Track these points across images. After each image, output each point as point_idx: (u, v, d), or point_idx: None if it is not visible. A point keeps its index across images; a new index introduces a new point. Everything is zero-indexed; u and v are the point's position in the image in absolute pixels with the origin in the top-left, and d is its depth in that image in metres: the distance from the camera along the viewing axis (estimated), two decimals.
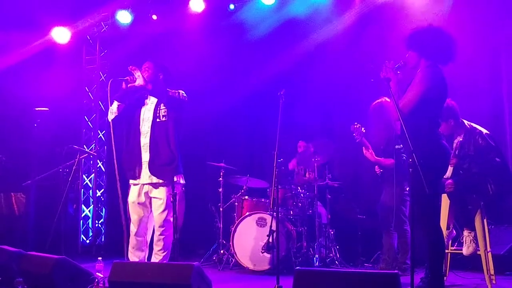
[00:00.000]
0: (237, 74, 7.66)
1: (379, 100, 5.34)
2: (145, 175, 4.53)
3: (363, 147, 5.35)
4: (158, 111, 4.58)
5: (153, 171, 4.49)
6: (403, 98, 3.73)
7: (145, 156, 4.54)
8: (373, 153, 5.27)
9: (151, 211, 4.62)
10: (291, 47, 7.31)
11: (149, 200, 4.60)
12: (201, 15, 7.64)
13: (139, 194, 4.59)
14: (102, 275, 4.19)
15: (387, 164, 5.28)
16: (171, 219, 4.45)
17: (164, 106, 4.55)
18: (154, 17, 7.78)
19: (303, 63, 7.19)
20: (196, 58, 7.71)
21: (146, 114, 4.63)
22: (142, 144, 4.57)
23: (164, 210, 4.49)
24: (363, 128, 5.32)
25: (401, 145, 5.10)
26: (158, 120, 4.54)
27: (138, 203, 4.59)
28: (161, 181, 4.50)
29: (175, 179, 4.49)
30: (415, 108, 3.68)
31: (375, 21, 6.93)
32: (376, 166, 5.50)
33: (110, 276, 3.70)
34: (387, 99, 5.28)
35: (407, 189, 5.19)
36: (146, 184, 4.55)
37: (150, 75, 4.63)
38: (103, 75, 8.60)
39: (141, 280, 3.63)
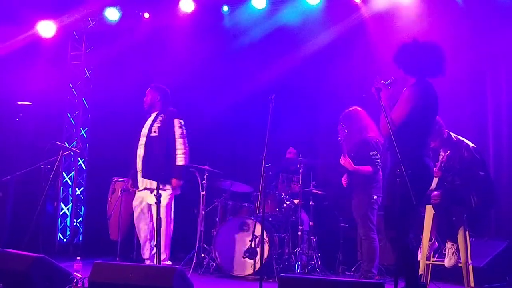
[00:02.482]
0: (226, 78, 7.63)
1: (351, 109, 5.39)
2: (140, 183, 5.40)
3: (341, 156, 5.28)
4: (151, 128, 5.48)
5: (144, 175, 5.32)
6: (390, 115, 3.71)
7: (139, 165, 5.41)
8: (351, 162, 5.20)
9: (150, 216, 5.38)
10: (281, 53, 7.32)
11: (147, 206, 5.39)
12: (191, 16, 7.59)
13: (137, 200, 5.45)
14: (80, 275, 4.11)
15: (364, 172, 5.24)
16: (167, 220, 5.25)
17: (159, 123, 5.47)
18: (146, 15, 7.71)
19: (293, 70, 7.19)
20: (184, 60, 7.67)
21: (143, 130, 5.53)
22: (138, 154, 5.46)
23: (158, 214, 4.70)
24: (346, 130, 5.29)
25: (375, 152, 5.19)
26: (150, 135, 5.43)
27: (140, 209, 5.42)
28: (151, 187, 5.15)
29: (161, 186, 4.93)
30: (400, 125, 3.66)
31: (365, 31, 6.98)
32: (342, 179, 5.45)
33: (90, 276, 3.62)
34: (358, 108, 5.37)
35: (375, 197, 5.20)
36: (142, 190, 5.38)
37: (149, 100, 5.73)
38: (88, 72, 8.49)
39: (122, 281, 3.56)
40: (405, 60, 3.80)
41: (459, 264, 4.59)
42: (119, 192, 6.64)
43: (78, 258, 4.25)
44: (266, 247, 5.57)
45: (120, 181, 6.80)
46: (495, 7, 6.47)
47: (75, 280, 3.86)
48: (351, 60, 6.96)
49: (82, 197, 8.32)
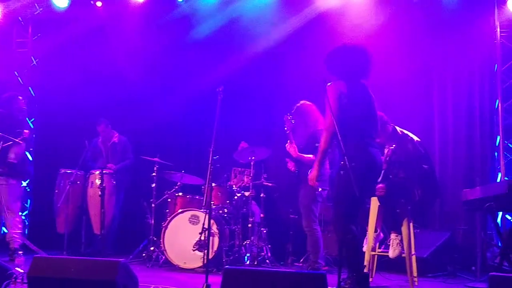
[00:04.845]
0: (179, 70, 7.53)
1: (300, 103, 5.48)
2: None
3: (288, 141, 5.39)
4: None
5: None
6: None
7: None
8: (296, 148, 5.32)
9: None
10: (235, 46, 7.29)
11: None
12: (143, 5, 7.46)
13: None
14: (22, 271, 3.98)
15: (307, 160, 5.33)
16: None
17: None
18: (99, 4, 7.50)
19: (246, 63, 7.17)
20: (137, 51, 7.53)
21: None
22: None
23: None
24: (293, 121, 5.38)
25: None
26: None
27: None
28: None
29: None
30: (337, 123, 3.76)
31: (319, 27, 7.05)
32: (288, 163, 5.54)
33: (30, 271, 3.49)
34: (307, 102, 5.48)
35: (320, 189, 5.30)
36: None
37: None
38: (35, 60, 8.19)
39: (64, 276, 3.46)
40: (333, 64, 4.03)
41: (403, 255, 4.71)
42: (67, 184, 6.49)
43: (20, 252, 4.12)
44: (216, 239, 5.56)
45: (67, 173, 6.64)
46: (443, 10, 6.68)
47: (15, 275, 3.73)
48: (304, 54, 7.01)
49: (28, 189, 8.05)
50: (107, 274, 3.41)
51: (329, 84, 3.93)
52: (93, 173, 6.59)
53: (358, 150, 3.82)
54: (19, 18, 8.01)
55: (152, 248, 6.03)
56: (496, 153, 6.57)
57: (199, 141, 7.15)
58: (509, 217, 6.18)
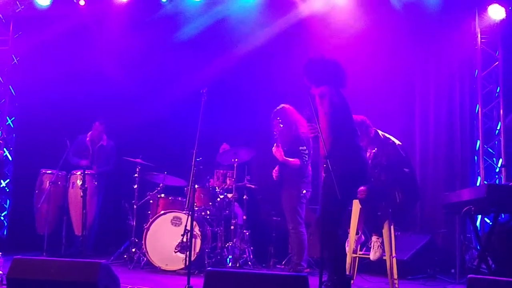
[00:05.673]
0: (161, 70, 7.51)
1: (282, 106, 5.54)
2: None
3: (274, 145, 5.42)
4: None
5: None
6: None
7: None
8: (282, 152, 5.36)
9: None
10: (219, 48, 7.29)
11: None
12: (127, 5, 7.42)
13: None
14: (1, 272, 3.94)
15: (292, 164, 5.38)
16: None
17: None
18: (82, 2, 7.43)
19: (230, 66, 7.17)
20: (120, 51, 7.48)
21: None
22: None
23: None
24: (281, 124, 5.41)
25: (305, 147, 5.36)
26: None
27: None
28: None
29: None
30: (333, 133, 3.83)
31: (303, 30, 7.09)
32: (274, 171, 5.57)
33: (9, 273, 3.45)
34: (288, 105, 5.55)
35: (304, 191, 5.35)
36: None
37: None
38: (16, 59, 8.08)
39: (44, 277, 3.42)
40: (314, 73, 4.12)
41: (384, 257, 4.75)
42: (47, 184, 6.42)
43: None
44: (199, 241, 5.55)
45: (48, 173, 6.57)
46: (426, 16, 6.77)
47: None
48: (288, 57, 7.04)
49: (7, 190, 7.94)
50: (88, 275, 3.38)
51: (319, 87, 3.97)
52: (75, 174, 6.53)
53: (350, 152, 3.88)
54: (0, 15, 7.90)
55: (133, 250, 5.99)
56: (475, 157, 6.67)
57: (182, 143, 7.12)
58: (488, 220, 6.27)
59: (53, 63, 7.61)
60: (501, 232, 4.13)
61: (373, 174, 4.77)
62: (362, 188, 4.62)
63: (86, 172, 6.00)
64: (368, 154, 4.85)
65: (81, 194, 5.58)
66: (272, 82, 7.17)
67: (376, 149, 4.87)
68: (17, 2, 7.68)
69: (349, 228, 4.94)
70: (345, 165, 3.79)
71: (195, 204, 5.82)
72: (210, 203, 6.09)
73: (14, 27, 7.99)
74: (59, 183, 6.49)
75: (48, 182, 6.44)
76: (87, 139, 6.88)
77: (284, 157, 5.35)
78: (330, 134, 3.81)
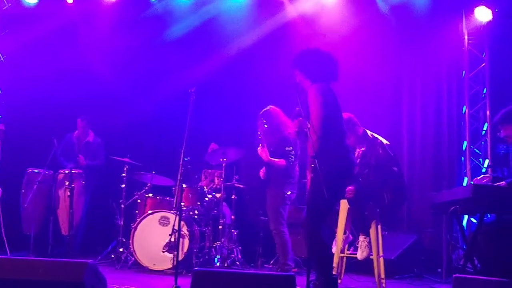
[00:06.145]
0: (149, 69, 7.48)
1: (268, 107, 5.56)
2: None
3: (259, 145, 5.43)
4: None
5: None
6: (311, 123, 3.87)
7: None
8: (267, 152, 5.37)
9: None
10: (208, 48, 7.29)
11: None
12: (115, 4, 7.38)
13: None
14: None
15: (277, 165, 5.39)
16: None
17: None
18: (70, 0, 7.37)
19: (219, 65, 7.18)
20: (106, 49, 7.44)
21: None
22: None
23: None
24: (265, 125, 5.42)
25: (291, 148, 5.37)
26: None
27: None
28: None
29: None
30: (323, 131, 3.82)
31: (292, 31, 7.12)
32: (260, 171, 5.59)
33: None
34: (273, 107, 5.56)
35: (288, 193, 5.37)
36: None
37: None
38: (2, 56, 7.99)
39: (30, 277, 3.39)
40: (306, 64, 4.05)
41: (371, 257, 4.78)
42: (34, 184, 6.36)
43: None
44: (186, 241, 5.54)
45: (35, 172, 6.51)
46: (413, 17, 6.82)
47: None
48: (276, 57, 7.04)
49: None
50: (75, 275, 3.35)
51: (312, 85, 3.95)
52: (62, 173, 6.48)
53: (339, 151, 3.89)
54: None
55: (121, 250, 5.96)
56: (462, 158, 6.73)
57: (171, 142, 7.08)
58: (474, 220, 6.33)
59: (40, 62, 7.54)
60: (487, 232, 4.16)
61: (362, 174, 4.79)
62: (350, 187, 4.64)
63: (73, 171, 5.96)
64: (356, 153, 4.87)
65: (68, 193, 5.55)
66: (261, 81, 7.18)
67: (364, 148, 4.89)
68: (4, 0, 7.60)
69: (337, 227, 4.96)
70: (333, 163, 3.79)
71: (183, 203, 5.81)
72: (198, 203, 6.08)
73: (0, 24, 7.91)
74: (46, 182, 6.44)
75: (35, 181, 6.38)
76: (74, 135, 6.87)
77: (269, 158, 5.37)
78: (320, 132, 3.78)
